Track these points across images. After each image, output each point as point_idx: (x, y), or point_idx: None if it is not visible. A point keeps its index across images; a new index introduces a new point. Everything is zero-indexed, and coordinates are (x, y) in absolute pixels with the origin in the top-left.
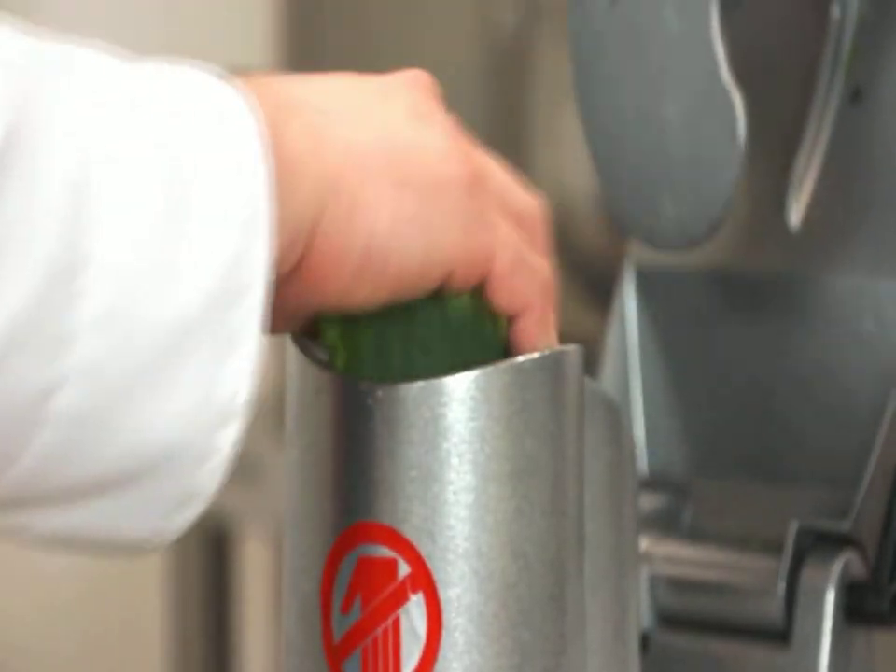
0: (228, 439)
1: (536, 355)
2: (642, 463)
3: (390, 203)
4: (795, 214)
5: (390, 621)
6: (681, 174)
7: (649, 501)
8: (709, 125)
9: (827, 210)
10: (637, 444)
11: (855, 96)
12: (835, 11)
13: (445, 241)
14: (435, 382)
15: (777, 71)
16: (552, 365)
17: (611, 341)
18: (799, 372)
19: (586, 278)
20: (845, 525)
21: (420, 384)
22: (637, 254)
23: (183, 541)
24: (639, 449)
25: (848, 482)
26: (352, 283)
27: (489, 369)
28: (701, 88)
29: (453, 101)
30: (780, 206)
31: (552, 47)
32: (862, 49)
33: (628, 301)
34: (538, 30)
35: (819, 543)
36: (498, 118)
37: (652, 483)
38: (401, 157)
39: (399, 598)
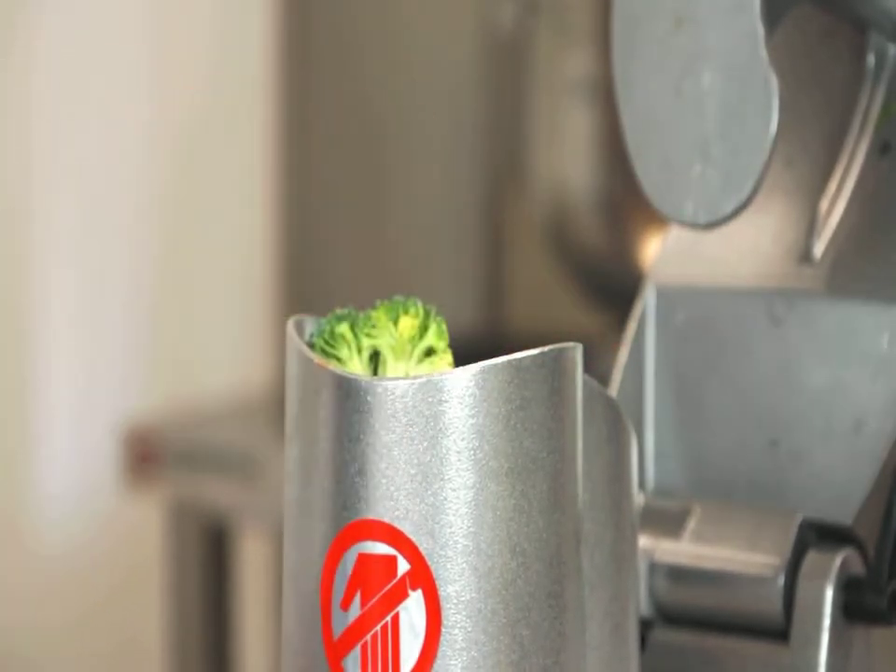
0: None
1: (535, 352)
2: (649, 479)
3: None
4: (817, 247)
5: (389, 617)
6: (713, 151)
7: (654, 512)
8: (745, 103)
9: (846, 237)
10: (645, 461)
11: (884, 149)
12: (871, 60)
13: None
14: (434, 379)
15: (810, 111)
16: (551, 362)
17: (626, 357)
18: (812, 393)
19: (586, 278)
20: (847, 519)
21: (420, 380)
22: (658, 272)
23: (182, 539)
24: (648, 466)
25: (855, 506)
26: None
27: (488, 366)
28: (740, 64)
29: (452, 101)
30: (802, 234)
31: (550, 44)
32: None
33: (648, 318)
34: (535, 27)
35: (818, 541)
36: (498, 117)
37: (658, 499)
38: None
39: (399, 595)
